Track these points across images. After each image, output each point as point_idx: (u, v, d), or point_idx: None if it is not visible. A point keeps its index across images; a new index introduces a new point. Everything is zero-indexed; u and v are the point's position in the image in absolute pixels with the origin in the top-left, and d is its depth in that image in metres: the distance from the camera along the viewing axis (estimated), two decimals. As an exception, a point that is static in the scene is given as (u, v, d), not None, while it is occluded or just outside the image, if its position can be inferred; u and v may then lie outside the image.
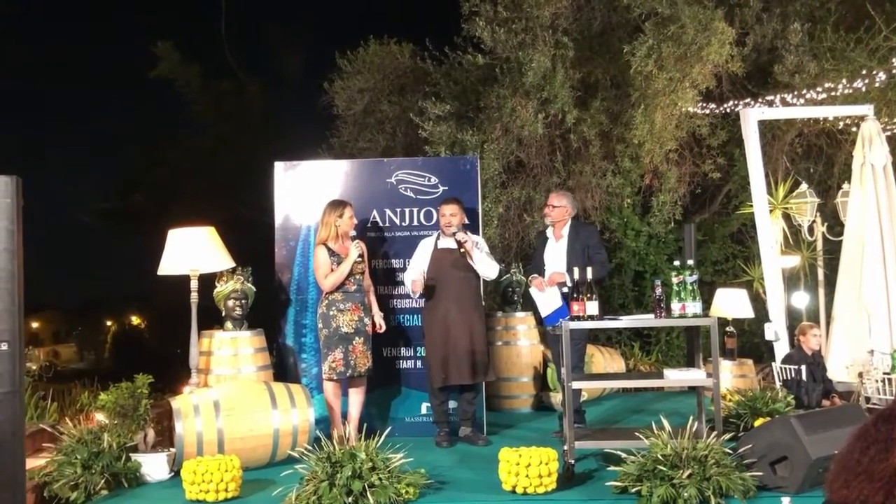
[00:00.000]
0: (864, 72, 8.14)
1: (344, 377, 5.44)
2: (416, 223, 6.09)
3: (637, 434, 4.33)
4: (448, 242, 5.60)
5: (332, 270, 5.43)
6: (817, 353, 6.19)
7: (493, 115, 9.01)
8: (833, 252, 7.73)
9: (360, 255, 5.47)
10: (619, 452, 4.21)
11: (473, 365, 5.48)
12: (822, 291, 8.06)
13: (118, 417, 4.81)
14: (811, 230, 8.11)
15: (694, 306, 4.49)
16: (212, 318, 5.80)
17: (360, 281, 5.55)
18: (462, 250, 5.52)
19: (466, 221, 5.69)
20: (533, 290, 5.41)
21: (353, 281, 5.49)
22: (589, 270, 4.62)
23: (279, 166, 6.19)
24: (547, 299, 5.26)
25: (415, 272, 5.60)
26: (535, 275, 5.52)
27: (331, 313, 5.44)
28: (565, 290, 5.27)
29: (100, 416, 4.94)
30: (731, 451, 4.10)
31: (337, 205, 5.59)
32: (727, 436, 4.35)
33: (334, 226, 5.53)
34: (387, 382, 5.97)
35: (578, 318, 4.56)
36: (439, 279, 5.56)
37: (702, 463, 3.92)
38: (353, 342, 5.42)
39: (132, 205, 18.83)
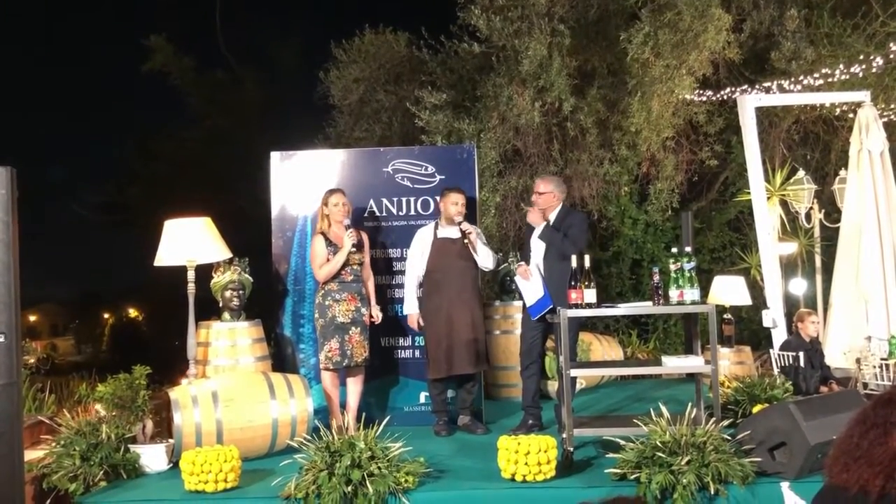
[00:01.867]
0: (861, 58, 8.11)
1: (340, 367, 5.44)
2: (412, 212, 6.07)
3: (636, 421, 4.33)
4: (448, 232, 5.57)
5: (328, 261, 5.42)
6: (815, 339, 6.20)
7: (489, 103, 8.98)
8: (830, 239, 7.74)
9: (355, 245, 5.45)
10: (617, 440, 4.21)
11: (475, 354, 5.48)
12: (819, 278, 8.08)
13: (116, 409, 4.80)
14: (808, 217, 8.12)
15: (692, 293, 4.49)
16: (209, 309, 5.78)
17: (358, 271, 5.53)
18: (466, 241, 5.49)
19: (466, 211, 5.67)
20: (518, 278, 5.39)
21: (350, 271, 5.47)
22: (586, 258, 4.61)
23: (275, 156, 6.17)
24: (531, 288, 5.23)
25: (411, 304, 5.61)
26: (522, 262, 5.48)
27: (327, 303, 5.43)
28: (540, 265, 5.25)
29: (98, 408, 4.93)
30: (729, 438, 4.11)
31: (327, 193, 5.58)
32: (726, 422, 4.35)
33: (325, 214, 5.52)
34: (385, 372, 5.97)
35: (577, 306, 4.54)
36: (441, 269, 5.54)
37: (700, 449, 3.93)
38: (350, 332, 5.41)
39: (129, 197, 18.82)
